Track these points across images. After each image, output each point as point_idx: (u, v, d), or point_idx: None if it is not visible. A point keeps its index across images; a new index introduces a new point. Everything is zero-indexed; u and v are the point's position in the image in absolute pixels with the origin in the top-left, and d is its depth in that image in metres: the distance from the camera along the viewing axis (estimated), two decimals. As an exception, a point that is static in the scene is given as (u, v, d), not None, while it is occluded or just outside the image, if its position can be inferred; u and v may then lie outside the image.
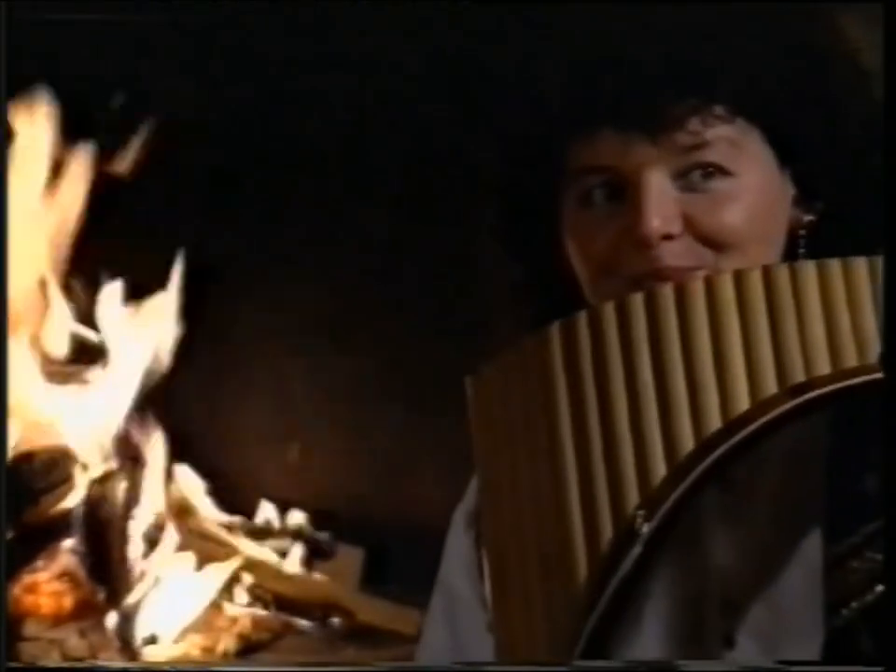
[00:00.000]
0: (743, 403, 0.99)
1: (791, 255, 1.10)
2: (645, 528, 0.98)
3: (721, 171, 1.06)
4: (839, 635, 1.08)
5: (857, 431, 1.07)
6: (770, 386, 0.99)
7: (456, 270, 2.54)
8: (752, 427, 0.98)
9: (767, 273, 1.01)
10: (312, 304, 2.70)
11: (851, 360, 0.99)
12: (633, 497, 0.99)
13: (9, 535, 2.42)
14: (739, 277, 1.02)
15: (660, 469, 0.99)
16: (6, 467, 1.34)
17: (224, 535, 2.61)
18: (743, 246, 1.07)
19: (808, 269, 1.00)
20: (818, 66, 1.11)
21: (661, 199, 1.06)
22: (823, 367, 0.98)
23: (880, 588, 1.09)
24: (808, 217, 1.10)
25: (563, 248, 1.13)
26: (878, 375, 0.99)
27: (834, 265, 1.01)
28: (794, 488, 1.13)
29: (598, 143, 1.06)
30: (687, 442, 0.99)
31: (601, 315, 1.02)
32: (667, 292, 1.02)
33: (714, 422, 0.99)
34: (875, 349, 1.00)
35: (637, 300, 1.03)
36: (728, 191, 1.07)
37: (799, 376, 0.98)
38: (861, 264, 1.01)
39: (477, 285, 1.57)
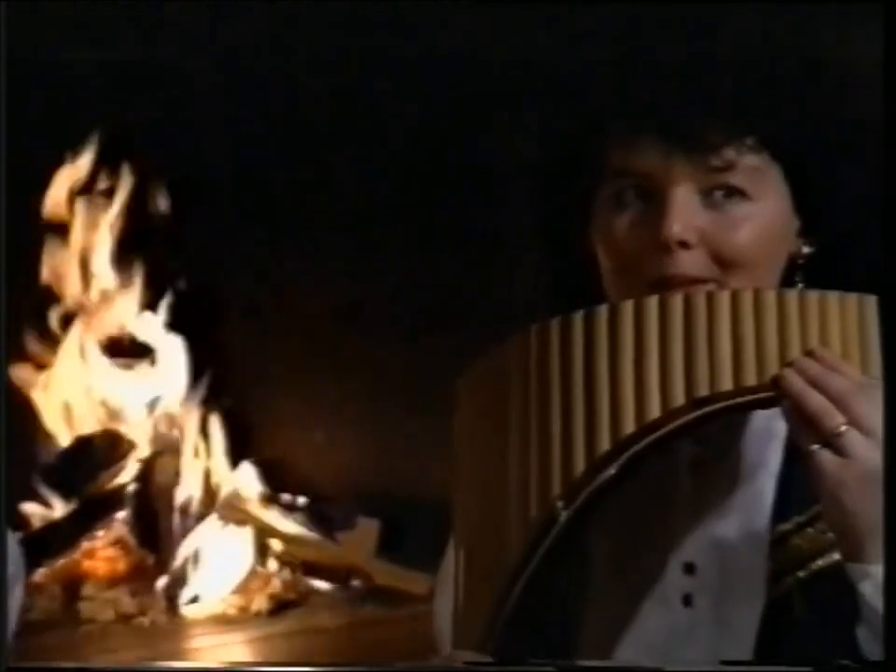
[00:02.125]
0: (655, 411, 1.02)
1: (788, 281, 1.10)
2: (563, 515, 1.03)
3: (743, 194, 1.06)
4: (779, 601, 1.12)
5: None
6: (678, 398, 1.02)
7: (486, 257, 2.53)
8: (660, 433, 1.03)
9: (688, 300, 1.04)
10: (335, 293, 2.74)
11: (751, 378, 1.01)
12: (556, 487, 1.03)
13: (71, 507, 2.63)
14: (664, 303, 1.04)
15: (580, 466, 1.03)
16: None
17: (257, 508, 2.69)
18: (749, 266, 1.07)
19: (723, 298, 1.03)
20: (848, 128, 1.11)
21: (684, 209, 1.05)
22: (726, 383, 1.01)
23: (818, 563, 1.12)
24: (807, 249, 1.10)
25: (589, 244, 1.12)
26: (771, 393, 1.01)
27: (747, 295, 1.04)
28: (753, 469, 1.16)
29: (638, 148, 1.06)
30: (604, 443, 1.04)
31: (549, 333, 1.06)
32: (602, 313, 1.05)
33: (629, 426, 1.02)
34: (773, 369, 1.01)
35: (578, 320, 1.06)
36: (745, 215, 1.06)
37: (703, 390, 1.01)
38: (770, 295, 1.03)
39: (504, 272, 1.70)
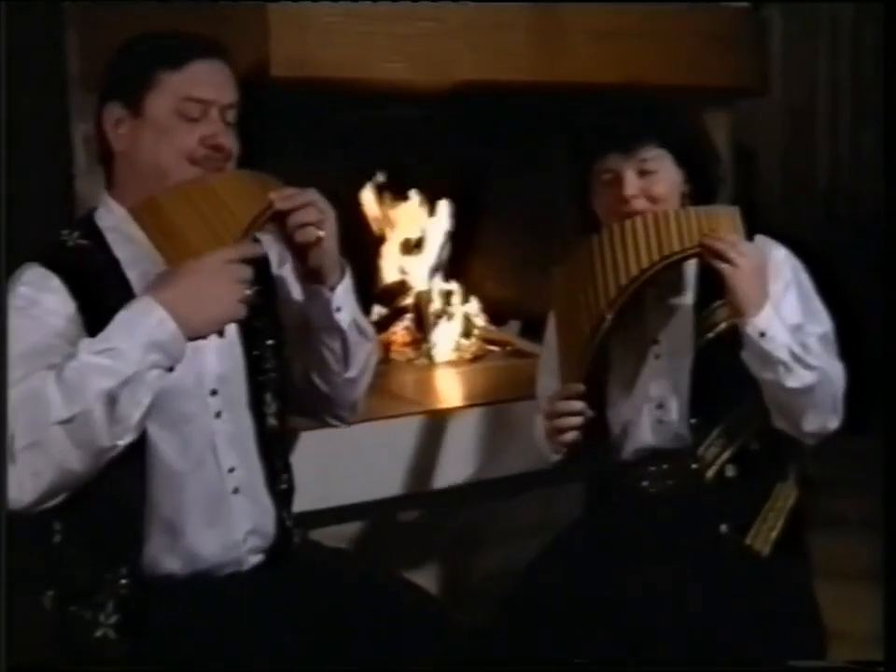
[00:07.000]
0: (646, 262, 1.77)
1: (683, 205, 1.87)
2: (608, 316, 1.84)
3: (655, 172, 1.87)
4: (703, 349, 1.86)
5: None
6: (655, 255, 1.78)
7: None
8: (650, 272, 1.78)
9: (645, 217, 1.80)
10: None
11: (688, 243, 1.75)
12: (603, 306, 1.81)
13: (385, 312, 3.41)
14: (633, 222, 1.80)
15: (613, 293, 1.82)
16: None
17: (470, 315, 3.59)
18: (664, 202, 1.88)
19: (661, 214, 1.77)
20: (700, 145, 1.94)
21: (632, 182, 1.88)
22: (677, 246, 1.78)
23: (722, 326, 1.79)
24: (686, 189, 1.95)
25: (591, 204, 1.95)
26: (697, 249, 1.73)
27: (670, 212, 1.78)
28: (681, 295, 1.86)
29: (609, 158, 1.91)
30: (623, 281, 1.77)
31: (608, 230, 1.82)
32: (608, 230, 1.82)
33: (635, 271, 1.77)
34: (695, 239, 1.72)
35: (599, 235, 1.83)
36: (657, 180, 1.89)
37: (667, 251, 1.79)
38: (680, 210, 1.79)
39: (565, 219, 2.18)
